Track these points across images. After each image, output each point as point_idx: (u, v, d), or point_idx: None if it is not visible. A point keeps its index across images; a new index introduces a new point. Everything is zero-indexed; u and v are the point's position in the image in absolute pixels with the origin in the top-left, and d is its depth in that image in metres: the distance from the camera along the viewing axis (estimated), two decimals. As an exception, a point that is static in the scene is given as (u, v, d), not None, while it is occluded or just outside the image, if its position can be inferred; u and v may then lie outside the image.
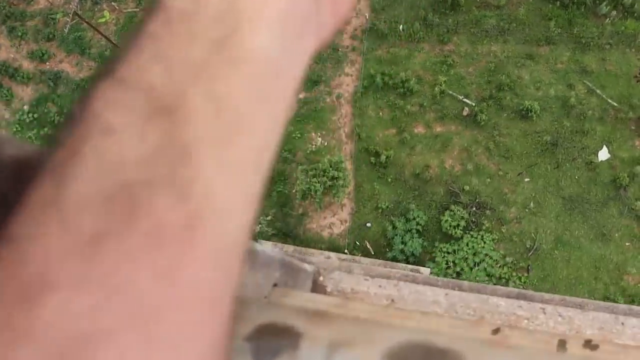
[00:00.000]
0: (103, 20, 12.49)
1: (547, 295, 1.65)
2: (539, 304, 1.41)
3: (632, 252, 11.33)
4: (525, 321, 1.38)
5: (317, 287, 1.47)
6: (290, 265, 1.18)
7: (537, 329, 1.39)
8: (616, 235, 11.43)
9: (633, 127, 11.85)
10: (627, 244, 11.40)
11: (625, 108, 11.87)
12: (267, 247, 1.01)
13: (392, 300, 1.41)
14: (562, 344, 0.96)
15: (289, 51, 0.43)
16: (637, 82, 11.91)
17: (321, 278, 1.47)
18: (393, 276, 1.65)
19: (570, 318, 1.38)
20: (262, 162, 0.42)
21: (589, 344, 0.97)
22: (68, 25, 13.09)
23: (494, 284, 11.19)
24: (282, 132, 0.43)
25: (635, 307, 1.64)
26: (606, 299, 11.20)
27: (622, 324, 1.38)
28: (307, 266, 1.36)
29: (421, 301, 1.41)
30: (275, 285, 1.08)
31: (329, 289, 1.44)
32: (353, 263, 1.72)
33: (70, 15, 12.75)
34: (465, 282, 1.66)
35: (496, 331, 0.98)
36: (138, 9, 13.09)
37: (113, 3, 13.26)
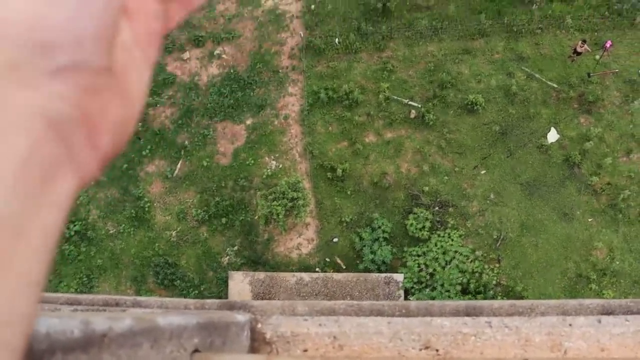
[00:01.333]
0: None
1: (496, 304, 1.61)
2: (485, 318, 1.36)
3: (595, 227, 11.49)
4: (473, 338, 1.34)
5: (255, 335, 1.40)
6: (213, 324, 1.11)
7: (486, 344, 1.35)
8: (578, 212, 11.58)
9: (576, 105, 12.07)
10: (589, 219, 11.56)
11: (566, 88, 12.09)
12: (175, 317, 0.94)
13: (334, 338, 1.36)
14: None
15: (33, 201, 0.42)
16: (572, 61, 12.15)
17: (259, 325, 1.40)
18: (337, 309, 1.59)
19: (517, 328, 1.34)
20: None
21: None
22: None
23: (468, 280, 11.24)
24: (44, 275, 0.42)
25: (585, 301, 1.61)
26: (579, 276, 11.32)
27: (570, 325, 1.34)
28: (239, 317, 1.29)
29: (364, 334, 1.35)
30: (195, 351, 1.01)
31: (268, 336, 1.37)
32: (296, 301, 1.66)
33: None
34: (412, 303, 1.61)
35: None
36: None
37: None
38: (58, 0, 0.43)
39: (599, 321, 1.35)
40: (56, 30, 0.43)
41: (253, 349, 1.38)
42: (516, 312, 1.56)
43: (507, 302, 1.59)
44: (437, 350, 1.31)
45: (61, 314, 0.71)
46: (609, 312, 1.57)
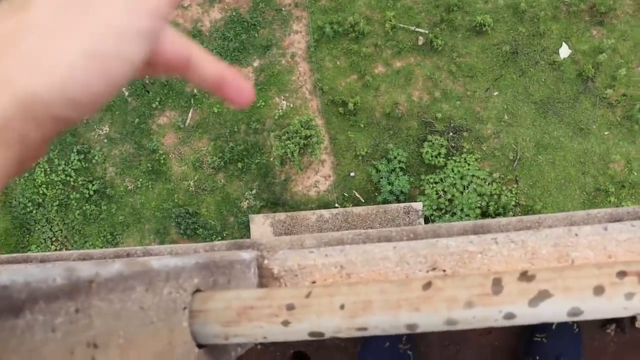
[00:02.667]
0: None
1: (503, 220, 1.60)
2: (491, 235, 1.36)
3: (612, 140, 11.37)
4: (479, 255, 1.33)
5: (263, 272, 1.41)
6: (215, 263, 1.11)
7: (492, 260, 1.34)
8: (594, 127, 11.45)
9: (587, 18, 11.76)
10: (605, 133, 11.43)
11: (576, 1, 11.77)
12: (171, 259, 0.94)
13: (341, 267, 1.36)
14: (497, 283, 0.91)
15: None
16: (581, -29, 11.78)
17: (266, 261, 1.41)
18: (345, 239, 1.59)
19: (524, 242, 1.33)
20: None
21: (524, 276, 0.91)
22: None
23: (487, 203, 11.24)
24: None
25: (592, 211, 1.59)
26: (597, 190, 11.28)
27: (576, 235, 1.33)
28: (244, 255, 1.29)
29: (370, 260, 1.35)
30: (197, 291, 1.02)
31: (275, 271, 1.38)
32: (304, 235, 1.66)
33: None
34: (420, 227, 1.60)
35: (427, 285, 0.92)
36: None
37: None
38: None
39: (605, 229, 1.34)
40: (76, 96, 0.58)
41: (262, 285, 1.39)
42: (524, 227, 1.55)
43: (514, 219, 1.58)
44: (444, 271, 1.31)
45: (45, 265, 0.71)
46: (617, 219, 1.56)
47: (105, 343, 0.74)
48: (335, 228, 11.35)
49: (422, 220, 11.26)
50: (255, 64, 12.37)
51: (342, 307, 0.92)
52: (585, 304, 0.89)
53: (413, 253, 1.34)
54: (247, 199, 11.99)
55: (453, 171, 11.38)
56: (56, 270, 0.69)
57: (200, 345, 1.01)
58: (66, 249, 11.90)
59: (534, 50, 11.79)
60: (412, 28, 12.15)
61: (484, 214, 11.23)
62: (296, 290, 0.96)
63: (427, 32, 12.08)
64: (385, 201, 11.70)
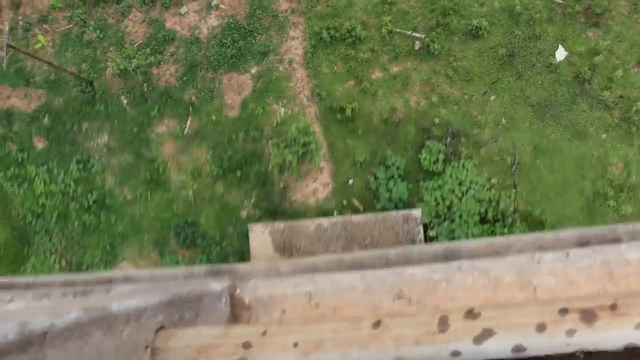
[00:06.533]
0: (39, 45, 12.22)
1: (472, 244, 1.63)
2: (456, 263, 1.39)
3: (610, 143, 11.38)
4: (444, 284, 1.36)
5: (235, 301, 1.44)
6: (181, 299, 1.15)
7: (457, 288, 1.38)
8: (591, 129, 11.47)
9: (582, 20, 11.79)
10: (603, 135, 11.45)
11: (571, 2, 11.79)
12: (132, 300, 0.97)
13: (310, 296, 1.39)
14: (443, 321, 0.94)
15: None
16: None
17: (238, 291, 1.44)
18: (319, 265, 1.63)
19: (487, 270, 1.36)
20: None
21: (470, 314, 0.94)
22: (5, 59, 12.82)
23: (486, 209, 11.25)
24: None
25: (561, 234, 1.63)
26: (596, 194, 11.29)
27: (539, 262, 1.36)
28: (214, 287, 1.33)
29: (338, 290, 1.38)
30: (161, 328, 1.05)
31: (247, 301, 1.41)
32: (280, 262, 1.70)
33: (5, 49, 12.46)
34: (392, 252, 1.64)
35: (377, 324, 0.95)
36: (71, 25, 12.82)
37: (45, 25, 12.98)
38: None
39: (567, 255, 1.37)
40: None
41: (234, 315, 1.42)
42: (493, 252, 1.58)
43: (483, 242, 1.61)
44: (409, 299, 1.34)
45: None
46: (585, 242, 1.59)
47: (62, 389, 0.78)
48: (335, 236, 11.36)
49: (421, 228, 11.28)
50: (253, 70, 12.42)
51: (295, 345, 0.95)
52: (528, 341, 0.92)
53: (380, 282, 1.37)
54: (246, 208, 12.03)
55: (451, 177, 11.39)
56: (9, 325, 0.72)
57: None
58: (65, 261, 11.93)
59: (530, 53, 11.82)
60: (409, 33, 12.20)
61: (483, 220, 11.24)
62: (253, 329, 1.00)
63: (423, 36, 12.12)
64: (384, 209, 11.71)
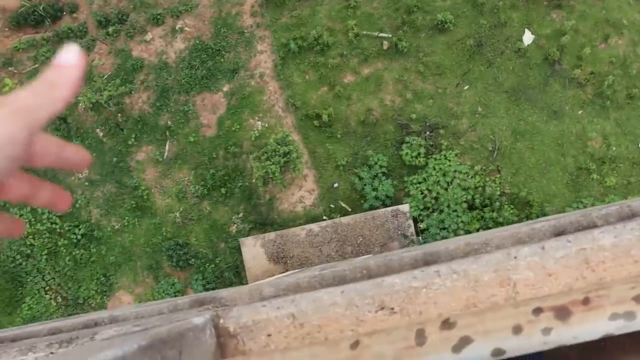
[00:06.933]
0: (6, 89, 12.16)
1: (451, 245, 1.64)
2: (434, 268, 1.40)
3: (586, 118, 11.49)
4: (424, 290, 1.37)
5: (220, 331, 1.44)
6: (161, 340, 1.14)
7: (437, 293, 1.38)
8: (567, 108, 11.57)
9: (545, 2, 11.90)
10: (579, 112, 11.55)
11: (532, -14, 11.91)
12: (110, 351, 0.97)
13: (294, 317, 1.39)
14: (420, 334, 0.94)
15: None
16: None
17: (222, 320, 1.44)
18: (302, 284, 1.63)
19: (465, 271, 1.37)
20: None
21: (446, 324, 0.95)
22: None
23: (472, 196, 11.31)
24: None
25: (536, 225, 1.64)
26: (579, 170, 11.38)
27: (515, 257, 1.37)
28: (195, 321, 1.33)
29: (320, 308, 1.39)
30: (144, 372, 1.05)
31: (231, 329, 1.41)
32: (262, 284, 1.70)
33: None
34: (372, 262, 1.64)
35: (355, 345, 0.95)
36: (37, 64, 12.75)
37: (10, 68, 12.91)
38: None
39: (543, 248, 1.38)
40: None
41: (220, 345, 1.42)
42: (471, 251, 1.59)
43: (462, 242, 1.62)
44: (392, 309, 1.35)
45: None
46: (561, 232, 1.60)
47: None
48: (326, 240, 11.38)
49: (411, 222, 11.32)
50: (225, 88, 12.42)
51: (278, 375, 0.95)
52: (505, 343, 0.93)
53: (360, 295, 1.37)
54: (235, 223, 12.01)
55: (435, 169, 11.45)
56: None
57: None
58: (61, 297, 11.85)
59: (498, 41, 11.91)
60: (375, 34, 12.25)
61: (471, 207, 11.30)
62: (234, 364, 0.99)
63: (390, 36, 12.18)
64: (372, 207, 11.76)
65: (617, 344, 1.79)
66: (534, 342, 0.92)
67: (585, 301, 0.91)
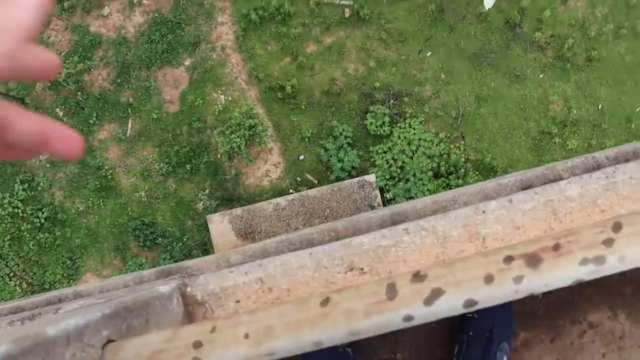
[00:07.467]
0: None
1: (419, 204, 1.63)
2: (402, 226, 1.38)
3: (548, 82, 11.59)
4: (393, 249, 1.35)
5: (187, 299, 1.41)
6: (126, 308, 1.11)
7: (406, 251, 1.37)
8: (528, 71, 11.65)
9: (504, -34, 11.91)
10: (540, 76, 11.64)
11: (490, -50, 11.88)
12: (71, 319, 0.93)
13: (262, 282, 1.37)
14: (391, 288, 0.92)
15: None
16: None
17: (189, 289, 1.41)
18: (269, 249, 1.60)
19: (434, 227, 1.36)
20: None
21: (417, 277, 0.93)
22: None
23: (437, 164, 11.38)
24: None
25: (503, 180, 1.63)
26: (542, 133, 11.51)
27: (483, 212, 1.36)
28: (161, 289, 1.29)
29: (288, 271, 1.36)
30: (110, 341, 1.02)
31: (199, 297, 1.38)
32: (229, 252, 1.66)
33: None
34: (339, 224, 1.62)
35: (325, 302, 0.93)
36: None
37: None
38: None
39: (510, 201, 1.37)
40: None
41: (188, 313, 1.39)
42: (440, 209, 1.58)
43: (429, 201, 1.61)
44: (361, 269, 1.33)
45: None
46: (528, 185, 1.59)
47: None
48: (294, 214, 11.36)
49: (377, 192, 11.35)
50: (187, 62, 12.22)
51: (246, 336, 0.93)
52: (477, 294, 0.92)
53: (329, 257, 1.35)
54: (201, 200, 11.91)
55: (400, 138, 11.47)
56: None
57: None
58: (26, 283, 11.66)
59: (459, 5, 11.89)
60: (337, 2, 12.13)
61: (437, 175, 11.36)
62: (200, 327, 0.97)
63: (351, 3, 12.07)
64: (339, 179, 11.76)
65: (585, 297, 1.81)
66: (506, 291, 0.91)
67: (556, 247, 0.90)
